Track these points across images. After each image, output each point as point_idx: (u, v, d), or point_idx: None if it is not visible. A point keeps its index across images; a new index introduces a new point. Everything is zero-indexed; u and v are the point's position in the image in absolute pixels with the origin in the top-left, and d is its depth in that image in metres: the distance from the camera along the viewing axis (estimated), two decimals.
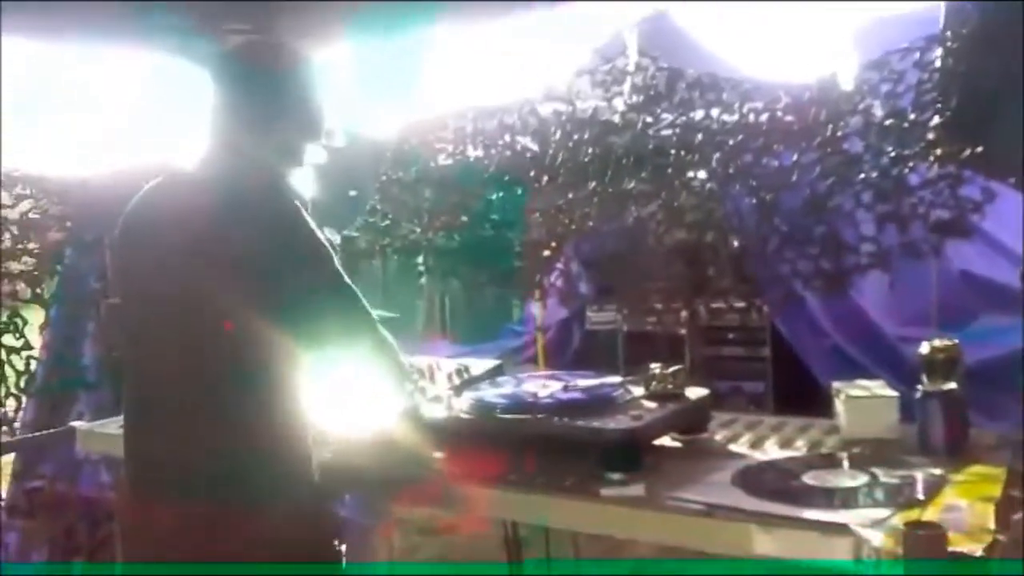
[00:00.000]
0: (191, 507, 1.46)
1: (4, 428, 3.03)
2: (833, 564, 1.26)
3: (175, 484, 1.50)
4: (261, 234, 1.46)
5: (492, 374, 2.06)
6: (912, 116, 2.86)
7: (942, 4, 2.80)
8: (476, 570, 3.10)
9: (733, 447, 1.78)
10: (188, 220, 1.50)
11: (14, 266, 3.05)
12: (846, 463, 1.58)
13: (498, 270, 3.74)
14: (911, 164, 2.87)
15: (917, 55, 2.84)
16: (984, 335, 3.73)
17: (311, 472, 1.57)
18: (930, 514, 1.29)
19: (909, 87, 2.88)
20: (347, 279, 1.55)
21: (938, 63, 2.78)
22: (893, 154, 2.89)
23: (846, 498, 1.42)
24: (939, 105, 2.78)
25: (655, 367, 1.82)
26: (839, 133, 3.01)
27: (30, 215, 3.13)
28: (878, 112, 2.97)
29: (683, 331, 4.83)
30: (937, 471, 1.49)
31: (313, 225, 1.52)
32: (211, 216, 1.48)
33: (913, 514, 1.26)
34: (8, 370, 3.00)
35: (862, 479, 1.49)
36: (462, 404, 1.82)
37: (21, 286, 3.06)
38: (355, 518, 3.93)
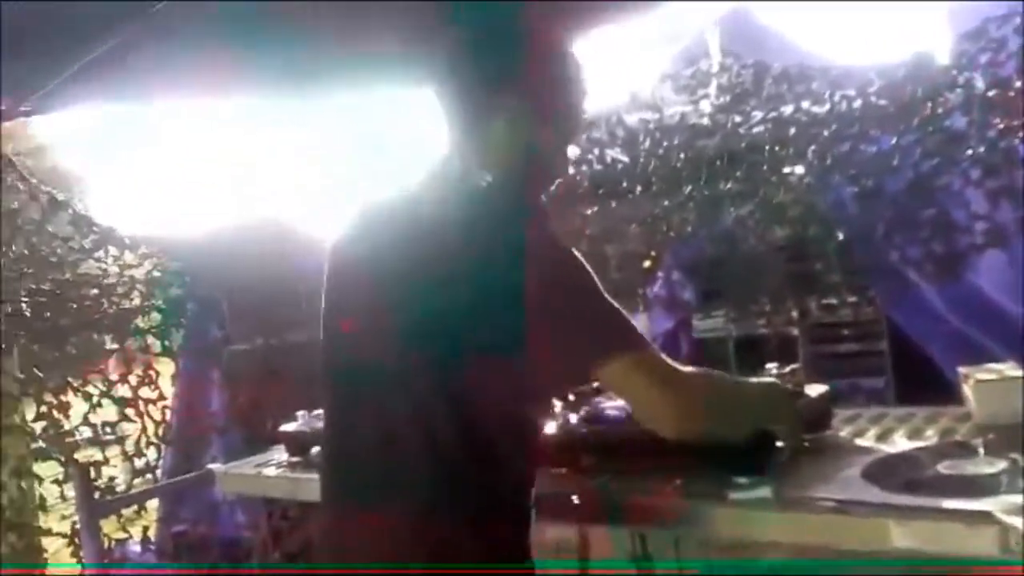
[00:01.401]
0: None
1: (148, 476, 3.21)
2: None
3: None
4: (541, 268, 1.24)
5: None
6: (1018, 84, 2.75)
7: None
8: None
9: (860, 442, 1.73)
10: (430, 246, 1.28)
11: (144, 322, 3.24)
12: (982, 450, 1.52)
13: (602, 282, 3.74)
14: (1021, 134, 2.75)
15: (1018, 20, 2.74)
16: None
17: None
18: None
19: (1011, 54, 2.77)
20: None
21: None
22: (1001, 126, 2.78)
23: (986, 486, 1.36)
24: None
25: (771, 367, 1.79)
26: (939, 110, 2.92)
27: (154, 273, 3.32)
28: (979, 84, 2.86)
29: (795, 331, 4.72)
30: None
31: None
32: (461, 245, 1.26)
33: None
34: (147, 421, 3.18)
35: (1001, 465, 1.43)
36: (576, 418, 1.83)
37: (152, 340, 3.24)
38: None
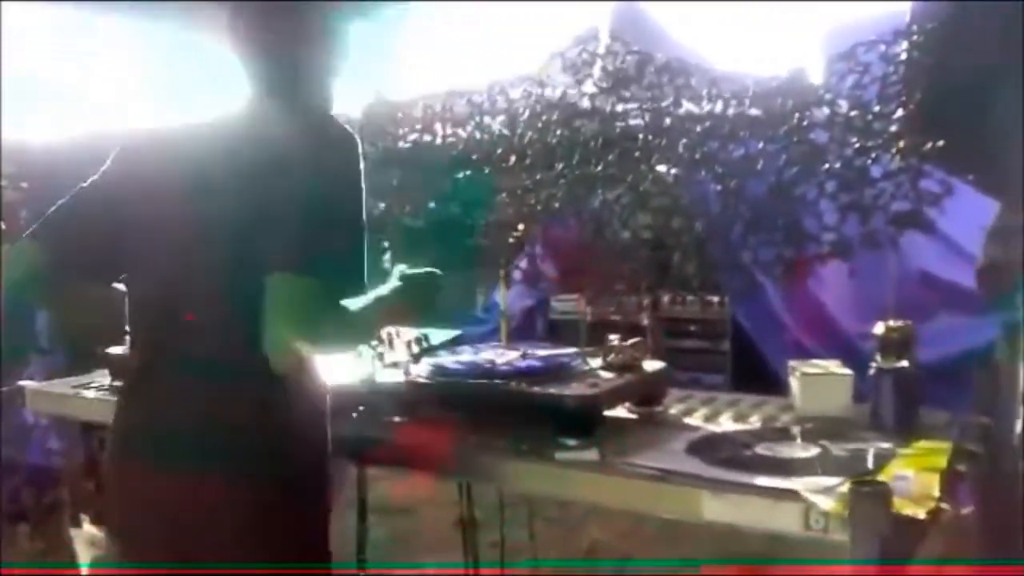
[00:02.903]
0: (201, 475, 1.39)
1: None
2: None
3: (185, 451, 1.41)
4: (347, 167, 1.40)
5: (453, 343, 2.05)
6: (876, 108, 2.90)
7: (909, 1, 2.85)
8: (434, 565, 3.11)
9: (688, 420, 1.79)
10: (262, 161, 1.38)
11: None
12: (799, 436, 1.60)
13: (463, 249, 3.73)
14: (874, 156, 2.91)
15: (883, 48, 2.88)
16: (941, 334, 3.79)
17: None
18: None
19: (874, 79, 2.91)
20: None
21: (904, 56, 2.82)
22: (857, 145, 2.93)
23: (797, 468, 1.43)
24: (903, 98, 2.82)
25: (613, 338, 1.82)
26: (805, 123, 3.05)
27: None
28: (843, 104, 3.00)
29: (645, 321, 4.85)
30: (887, 445, 1.51)
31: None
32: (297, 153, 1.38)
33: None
34: None
35: (813, 451, 1.51)
36: (420, 370, 1.81)
37: None
38: None
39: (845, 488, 1.27)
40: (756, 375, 4.45)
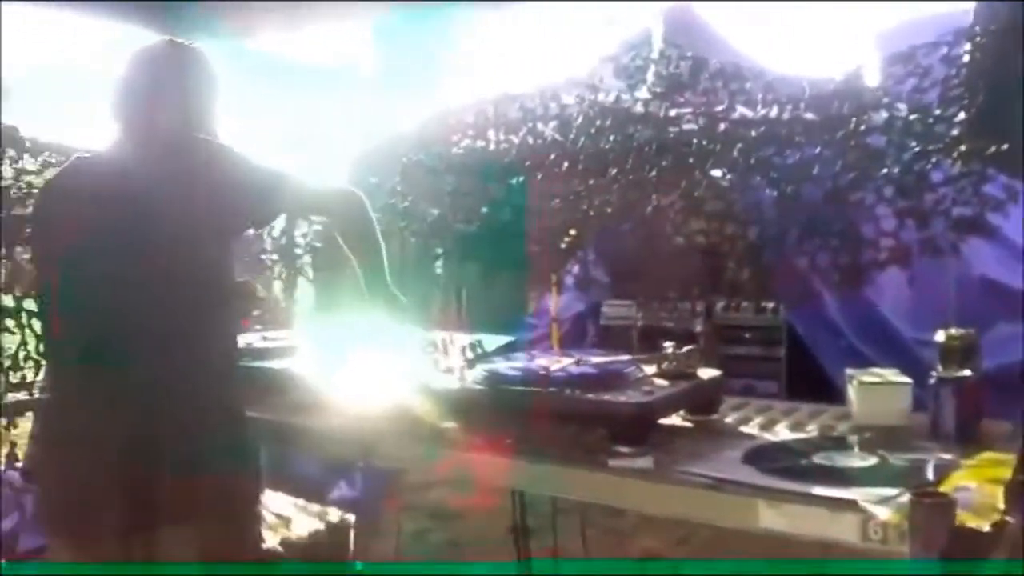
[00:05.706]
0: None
1: (23, 393, 3.06)
2: None
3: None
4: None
5: (506, 349, 2.07)
6: (937, 111, 2.84)
7: (973, 1, 2.79)
8: (486, 569, 3.13)
9: (744, 428, 1.78)
10: (182, 181, 1.69)
11: None
12: (856, 446, 1.58)
13: (517, 254, 3.74)
14: (934, 160, 2.84)
15: (945, 50, 2.82)
16: (1002, 342, 3.70)
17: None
18: None
19: (935, 82, 2.85)
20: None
21: (966, 59, 2.75)
22: (916, 149, 2.87)
23: (855, 478, 1.42)
24: (965, 101, 2.76)
25: (668, 346, 1.82)
26: (862, 127, 2.99)
27: None
28: (902, 107, 2.94)
29: (698, 328, 4.81)
30: (948, 456, 1.49)
31: None
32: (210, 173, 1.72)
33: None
34: (28, 334, 3.03)
35: (872, 461, 1.49)
36: (474, 376, 1.83)
37: None
38: (364, 497, 3.95)
39: (904, 499, 1.25)
40: (811, 382, 4.38)
